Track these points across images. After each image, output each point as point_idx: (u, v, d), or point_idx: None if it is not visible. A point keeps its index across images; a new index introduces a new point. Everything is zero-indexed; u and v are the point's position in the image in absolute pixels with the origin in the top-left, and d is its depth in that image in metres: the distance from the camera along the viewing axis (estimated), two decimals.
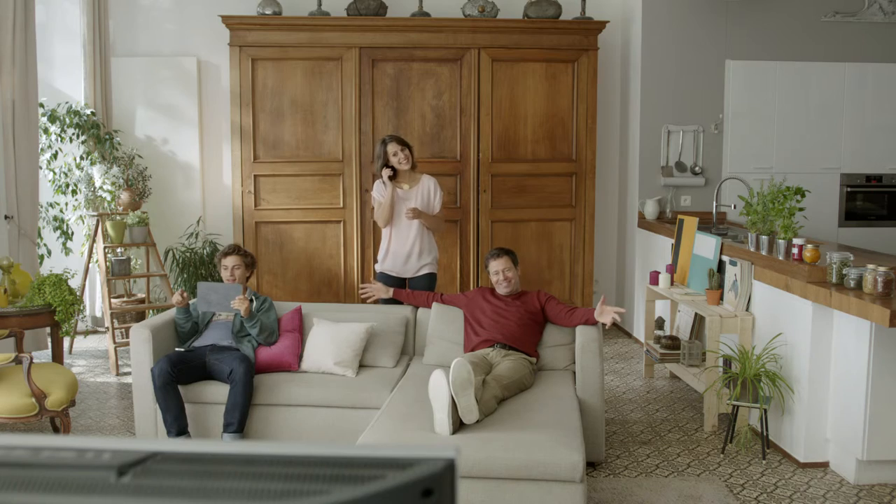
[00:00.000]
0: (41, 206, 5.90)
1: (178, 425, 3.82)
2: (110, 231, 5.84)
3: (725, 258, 4.69)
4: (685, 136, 6.38)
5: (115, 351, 5.47)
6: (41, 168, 5.89)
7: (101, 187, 5.93)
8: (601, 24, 6.19)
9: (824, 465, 3.87)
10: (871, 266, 3.49)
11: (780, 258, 4.09)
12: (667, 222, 6.01)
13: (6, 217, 5.24)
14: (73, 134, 6.13)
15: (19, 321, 4.38)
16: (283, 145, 6.11)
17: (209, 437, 3.95)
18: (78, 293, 4.94)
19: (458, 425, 3.21)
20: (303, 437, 3.91)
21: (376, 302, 4.73)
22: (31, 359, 3.79)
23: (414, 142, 5.05)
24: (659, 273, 5.30)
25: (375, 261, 5.01)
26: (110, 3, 6.40)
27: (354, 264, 6.18)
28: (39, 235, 5.82)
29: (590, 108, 6.24)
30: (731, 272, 4.57)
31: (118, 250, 5.94)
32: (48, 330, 4.97)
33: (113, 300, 5.89)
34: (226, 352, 4.04)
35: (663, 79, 6.32)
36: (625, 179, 6.75)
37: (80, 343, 6.22)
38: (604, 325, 4.02)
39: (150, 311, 6.00)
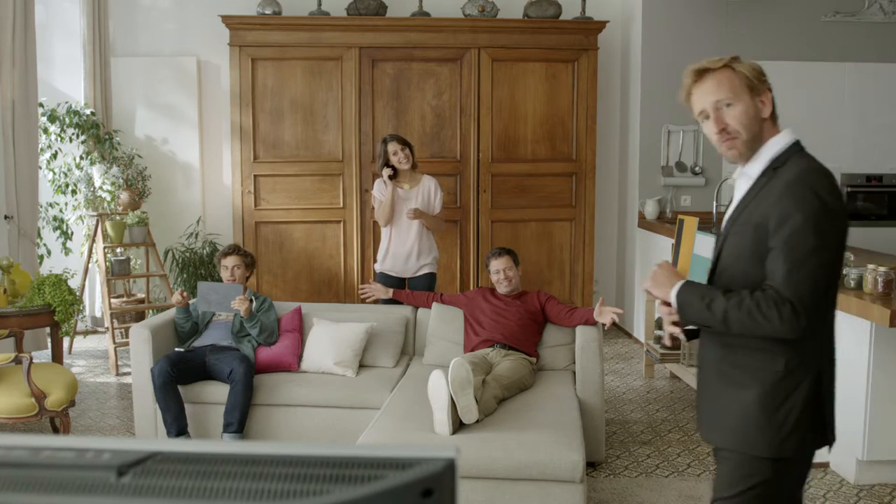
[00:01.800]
0: (41, 206, 5.90)
1: (177, 425, 3.82)
2: (110, 231, 5.84)
3: None
4: (685, 136, 6.38)
5: (115, 351, 5.47)
6: (41, 168, 5.88)
7: (100, 187, 5.93)
8: (601, 24, 6.19)
9: (824, 466, 3.87)
10: (871, 266, 3.49)
11: None
12: (667, 222, 6.01)
13: (6, 217, 5.24)
14: (73, 134, 6.13)
15: (19, 321, 4.38)
16: (283, 145, 6.11)
17: (209, 437, 3.95)
18: (77, 293, 4.94)
19: (458, 425, 3.21)
20: (303, 437, 3.91)
21: (376, 302, 4.73)
22: (31, 359, 3.79)
23: (414, 142, 5.04)
24: None
25: (375, 260, 5.01)
26: (110, 3, 6.40)
27: (354, 264, 6.17)
28: (39, 235, 5.82)
29: (590, 108, 6.24)
30: None
31: (118, 250, 5.93)
32: (48, 330, 4.97)
33: (113, 300, 5.89)
34: (226, 352, 4.04)
35: (663, 79, 6.31)
36: (625, 179, 6.75)
37: (80, 343, 6.22)
38: (604, 325, 4.02)
39: (150, 311, 6.00)
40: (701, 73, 1.89)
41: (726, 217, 1.99)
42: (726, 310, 1.79)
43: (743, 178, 1.93)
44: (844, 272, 3.63)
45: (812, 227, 1.73)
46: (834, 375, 1.90)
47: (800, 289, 1.72)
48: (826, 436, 1.89)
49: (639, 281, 6.34)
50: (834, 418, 1.90)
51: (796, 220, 1.74)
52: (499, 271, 4.20)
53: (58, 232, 6.14)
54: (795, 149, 1.90)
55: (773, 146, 1.90)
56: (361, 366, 4.21)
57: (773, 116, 1.94)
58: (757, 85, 1.89)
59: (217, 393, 3.93)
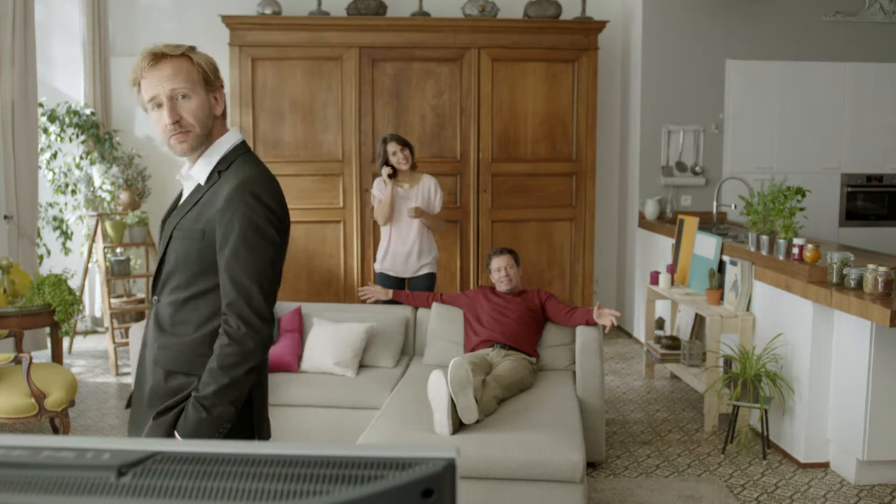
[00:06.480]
0: (41, 206, 5.90)
1: None
2: (110, 231, 5.84)
3: (726, 258, 4.69)
4: (685, 135, 6.38)
5: (115, 351, 5.47)
6: (41, 168, 5.88)
7: (100, 187, 5.92)
8: (601, 24, 6.19)
9: (825, 466, 3.87)
10: (871, 266, 3.49)
11: (781, 258, 4.09)
12: (667, 222, 6.01)
13: (6, 217, 5.24)
14: (73, 134, 6.12)
15: (19, 321, 4.37)
16: (283, 145, 6.11)
17: None
18: (77, 293, 4.94)
19: (458, 425, 3.20)
20: (303, 437, 3.91)
21: (376, 303, 4.73)
22: (31, 359, 3.79)
23: (414, 142, 5.04)
24: (659, 273, 5.30)
25: (375, 260, 5.01)
26: (110, 3, 6.40)
27: (354, 264, 6.17)
28: (39, 235, 5.82)
29: (590, 108, 6.24)
30: (731, 272, 4.57)
31: (118, 250, 5.93)
32: (48, 330, 4.97)
33: (112, 300, 5.89)
34: None
35: (663, 79, 6.32)
36: (625, 179, 6.75)
37: (80, 343, 6.21)
38: (604, 326, 4.02)
39: None
40: (157, 58, 1.79)
41: (172, 216, 1.93)
42: (216, 391, 1.74)
43: (190, 181, 1.90)
44: (844, 272, 3.63)
45: (260, 236, 1.78)
46: (267, 363, 1.93)
47: (256, 302, 1.76)
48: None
49: (639, 281, 6.34)
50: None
51: (244, 232, 1.76)
52: (500, 269, 4.22)
53: (57, 232, 6.13)
54: (242, 150, 1.89)
55: (222, 146, 1.88)
56: (361, 366, 4.21)
57: (224, 115, 1.91)
58: (212, 80, 1.84)
59: None
